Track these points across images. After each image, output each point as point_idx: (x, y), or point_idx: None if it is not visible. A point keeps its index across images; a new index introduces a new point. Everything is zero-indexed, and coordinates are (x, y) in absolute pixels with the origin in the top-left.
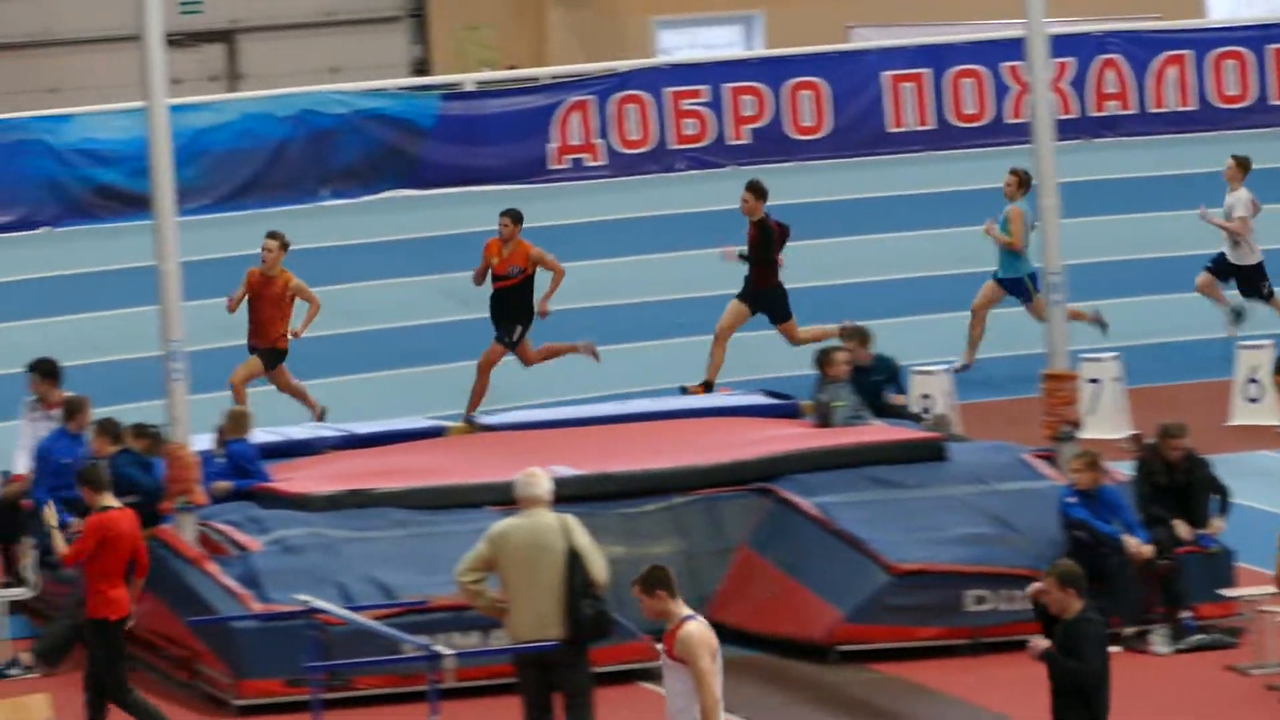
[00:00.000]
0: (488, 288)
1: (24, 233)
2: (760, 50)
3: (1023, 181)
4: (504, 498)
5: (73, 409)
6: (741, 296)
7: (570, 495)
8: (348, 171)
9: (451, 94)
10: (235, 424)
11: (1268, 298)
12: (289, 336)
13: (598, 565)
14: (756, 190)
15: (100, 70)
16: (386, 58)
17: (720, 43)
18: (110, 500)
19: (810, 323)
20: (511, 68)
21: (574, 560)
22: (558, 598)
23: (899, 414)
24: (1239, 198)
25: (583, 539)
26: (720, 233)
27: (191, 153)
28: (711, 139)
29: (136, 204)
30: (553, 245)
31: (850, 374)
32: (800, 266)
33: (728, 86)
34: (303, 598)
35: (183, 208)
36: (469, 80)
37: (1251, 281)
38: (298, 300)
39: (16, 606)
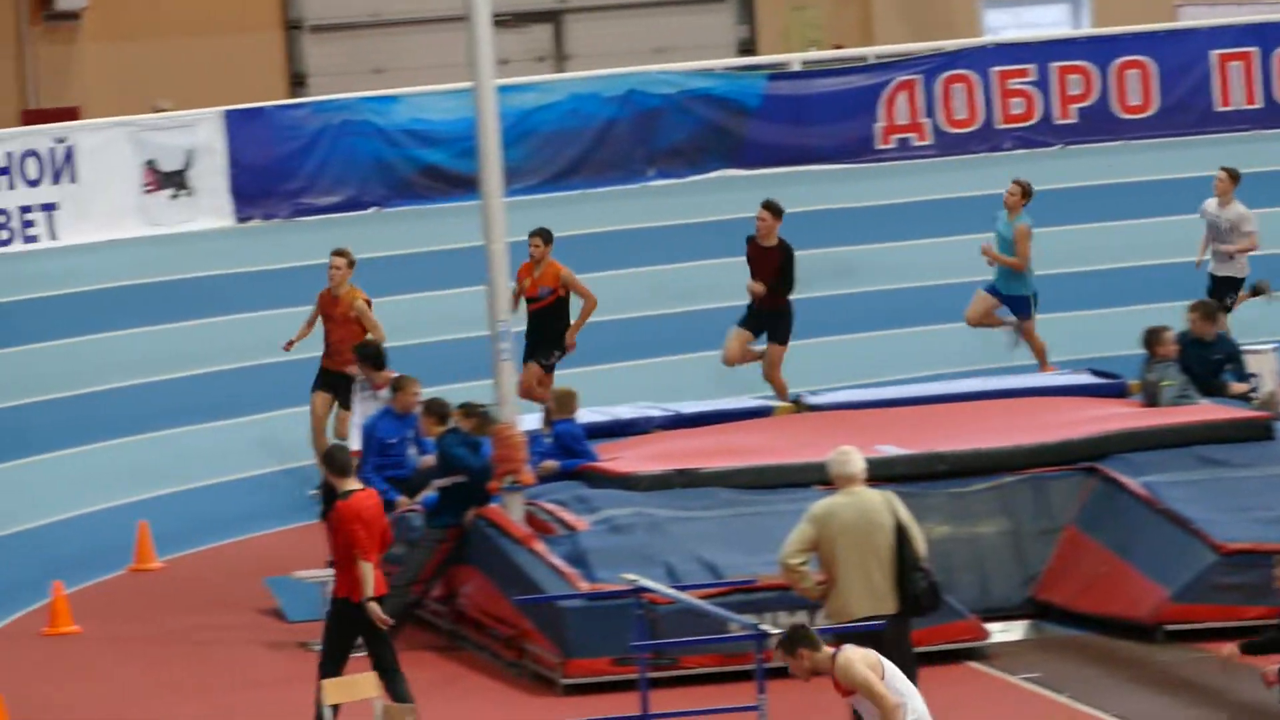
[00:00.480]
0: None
1: (352, 213)
2: (1087, 29)
3: (1026, 192)
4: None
5: (397, 389)
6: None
7: (900, 474)
8: (674, 151)
9: (778, 74)
10: (562, 404)
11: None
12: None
13: (919, 540)
14: (775, 210)
15: (427, 51)
16: (712, 38)
17: (1046, 22)
18: (353, 484)
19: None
20: (838, 47)
21: (902, 535)
22: (888, 572)
23: (1229, 395)
24: (1239, 212)
25: (905, 513)
26: (1045, 211)
27: (518, 133)
28: (1038, 118)
29: (463, 184)
30: (880, 225)
31: (1188, 347)
32: (1128, 246)
33: (1055, 65)
34: (630, 577)
35: (510, 188)
36: (795, 60)
37: (1222, 292)
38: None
39: None
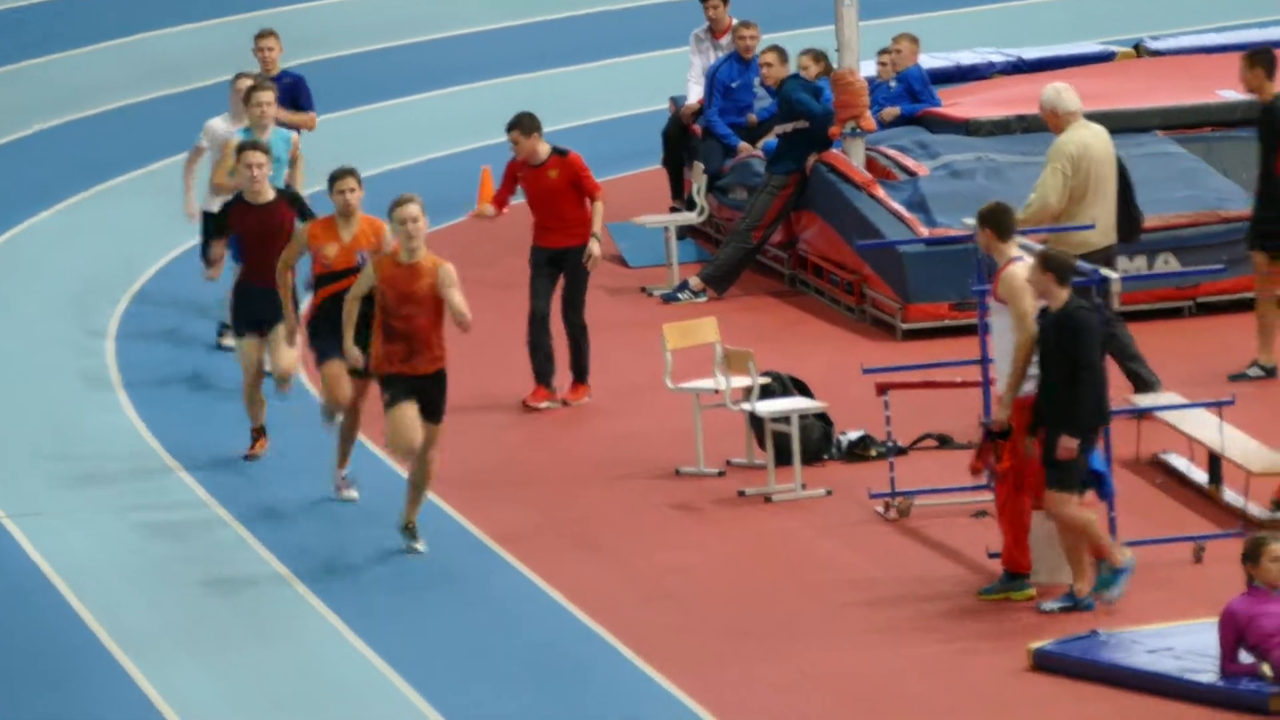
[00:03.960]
0: None
1: None
2: None
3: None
4: (1172, 122)
5: (737, 34)
6: None
7: (1241, 119)
8: None
9: None
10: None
11: None
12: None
13: None
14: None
15: None
16: None
17: None
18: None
19: None
20: None
21: (1121, 166)
22: (1116, 203)
23: None
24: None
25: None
26: None
27: None
28: None
29: None
30: None
31: None
32: None
33: None
34: (970, 221)
35: None
36: None
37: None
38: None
39: (685, 231)
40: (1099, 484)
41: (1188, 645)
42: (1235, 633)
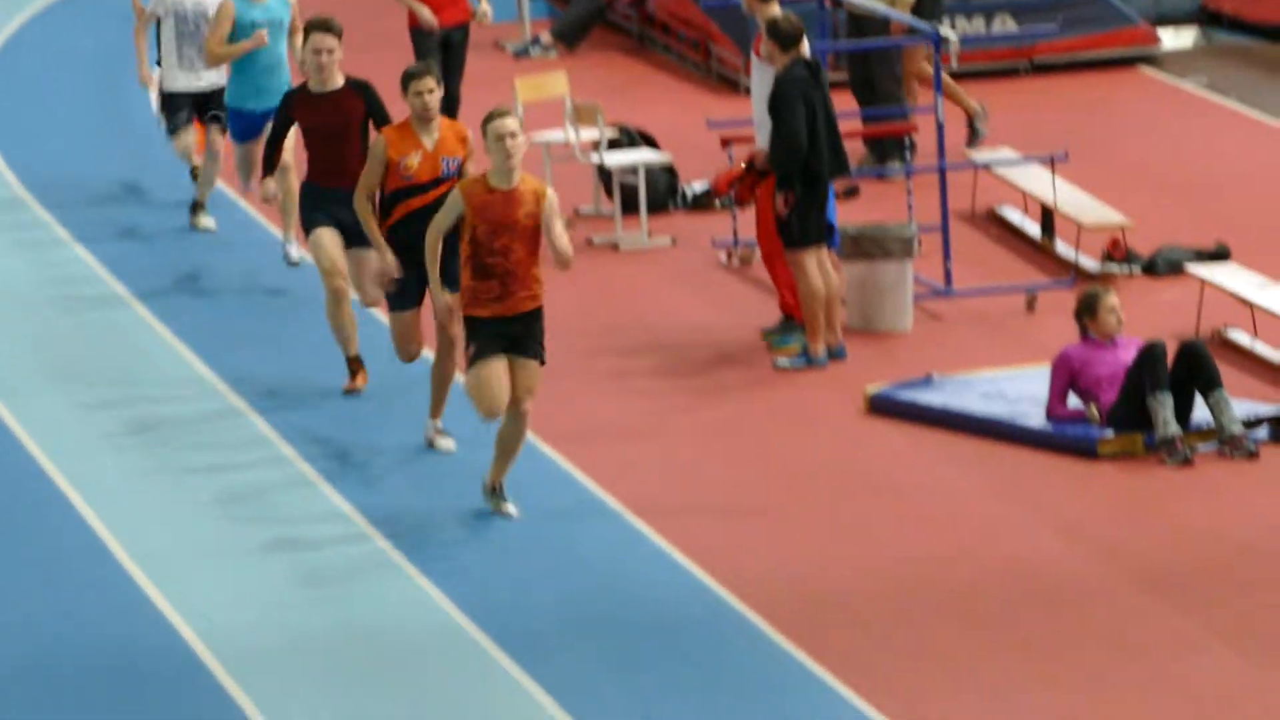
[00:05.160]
0: None
1: None
2: None
3: None
4: None
5: None
6: None
7: None
8: None
9: None
10: None
11: None
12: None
13: None
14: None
15: None
16: None
17: None
18: None
19: None
20: None
21: None
22: None
23: None
24: None
25: None
26: None
27: None
28: None
29: None
30: None
31: None
32: None
33: None
34: None
35: None
36: None
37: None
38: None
39: None
40: (829, 235)
41: (1019, 391)
42: (1068, 375)
